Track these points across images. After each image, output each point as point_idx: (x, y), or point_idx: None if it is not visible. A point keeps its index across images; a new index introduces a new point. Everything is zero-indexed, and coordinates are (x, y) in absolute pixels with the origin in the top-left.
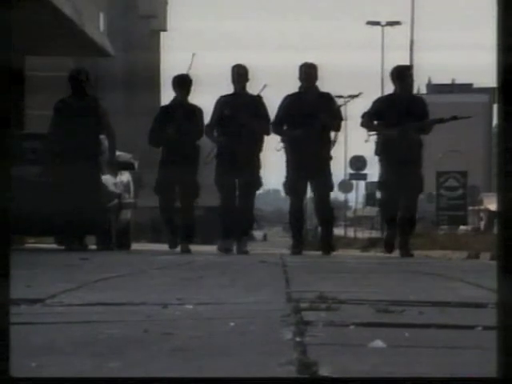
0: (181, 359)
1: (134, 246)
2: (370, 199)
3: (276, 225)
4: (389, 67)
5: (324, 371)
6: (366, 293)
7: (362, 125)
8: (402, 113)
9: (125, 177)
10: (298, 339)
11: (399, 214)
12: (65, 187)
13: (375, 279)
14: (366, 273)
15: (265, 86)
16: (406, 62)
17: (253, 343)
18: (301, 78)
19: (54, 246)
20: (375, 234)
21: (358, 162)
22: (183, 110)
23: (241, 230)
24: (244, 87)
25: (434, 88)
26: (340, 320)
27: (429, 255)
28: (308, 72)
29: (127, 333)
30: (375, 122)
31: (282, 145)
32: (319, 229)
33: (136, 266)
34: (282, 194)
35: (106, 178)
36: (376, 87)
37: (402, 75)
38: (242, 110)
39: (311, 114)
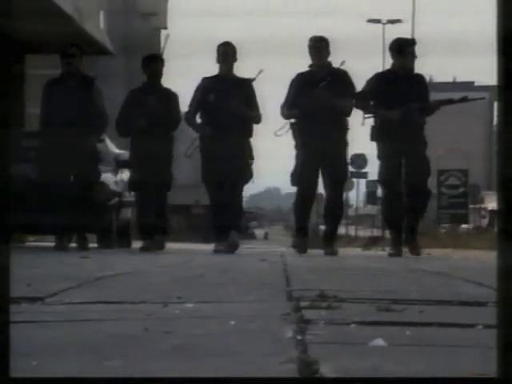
0: (181, 358)
1: (134, 244)
2: (370, 197)
3: (277, 223)
4: (389, 65)
5: (325, 370)
6: (366, 291)
7: (357, 106)
8: (402, 92)
9: (125, 175)
10: (298, 338)
11: (406, 203)
12: (53, 170)
13: (376, 277)
14: (367, 271)
15: (260, 72)
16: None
17: (253, 342)
18: (311, 54)
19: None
20: (376, 232)
21: (358, 160)
22: (155, 95)
23: (231, 225)
24: (231, 68)
25: (436, 86)
26: (341, 318)
27: (430, 253)
28: (318, 46)
29: (127, 331)
30: (371, 103)
31: (284, 130)
32: (320, 227)
33: (136, 264)
34: (283, 191)
35: (107, 176)
36: None
37: (403, 49)
38: (228, 95)
39: (325, 94)
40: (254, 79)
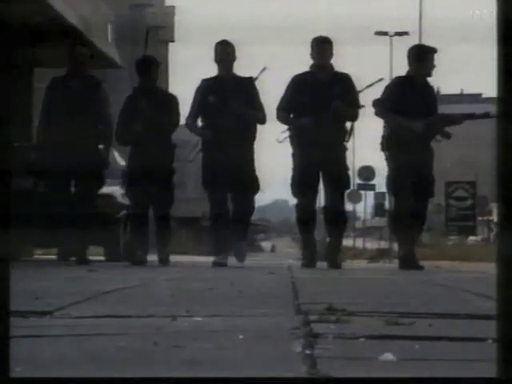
0: (191, 372)
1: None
2: (378, 210)
3: (284, 235)
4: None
5: None
6: (375, 304)
7: (376, 114)
8: (421, 101)
9: None
10: (307, 352)
11: (409, 218)
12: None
13: (384, 290)
14: (375, 284)
15: (264, 69)
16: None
17: (262, 356)
18: (313, 55)
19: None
20: (384, 244)
21: (366, 172)
22: (152, 99)
23: (236, 237)
24: (231, 68)
25: (443, 98)
26: (350, 332)
27: (438, 266)
28: (321, 47)
29: (137, 345)
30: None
31: (285, 135)
32: (327, 239)
33: (144, 277)
34: (291, 203)
35: (114, 189)
36: None
37: (424, 56)
38: (230, 96)
39: (324, 98)
40: (256, 78)
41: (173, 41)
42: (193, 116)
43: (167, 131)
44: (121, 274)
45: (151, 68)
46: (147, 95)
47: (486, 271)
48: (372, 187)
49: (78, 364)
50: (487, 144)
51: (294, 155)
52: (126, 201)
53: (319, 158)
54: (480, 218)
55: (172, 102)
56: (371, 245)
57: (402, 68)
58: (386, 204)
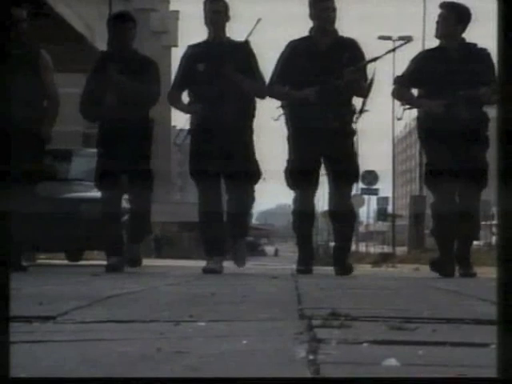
0: (194, 378)
1: (145, 261)
2: (381, 214)
3: (287, 240)
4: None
5: None
6: (378, 309)
7: (393, 94)
8: (452, 75)
9: None
10: (311, 357)
11: (457, 215)
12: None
13: (388, 296)
14: (379, 289)
15: (258, 21)
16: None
17: (265, 361)
18: (314, 15)
19: (66, 262)
20: (387, 249)
21: (369, 177)
22: (126, 65)
23: (233, 236)
24: (223, 30)
25: None
26: (353, 338)
27: None
28: (324, 7)
29: (140, 351)
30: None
31: (281, 112)
32: (331, 244)
33: (147, 282)
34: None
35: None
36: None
37: (466, 17)
38: (222, 64)
39: (327, 67)
40: (250, 34)
41: (176, 46)
42: (177, 88)
43: (144, 105)
44: (124, 278)
45: (125, 26)
46: (120, 60)
47: (489, 276)
48: (375, 192)
49: (81, 369)
50: (490, 148)
51: (289, 138)
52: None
53: (322, 142)
54: (483, 223)
55: (151, 68)
56: (374, 249)
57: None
58: (389, 209)
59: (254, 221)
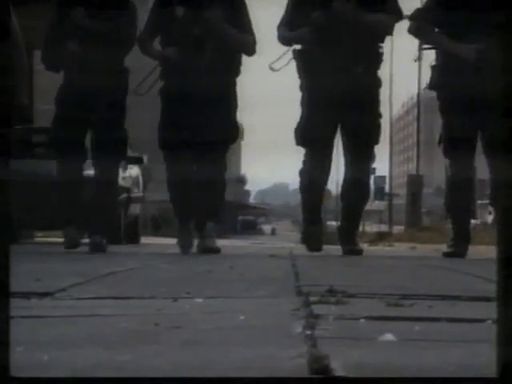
0: (191, 352)
1: (143, 239)
2: (378, 193)
3: (284, 219)
4: (398, 61)
5: (335, 364)
6: (375, 286)
7: (410, 31)
8: (490, 14)
9: (134, 171)
10: (308, 332)
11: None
12: None
13: (384, 273)
14: (376, 267)
15: None
16: (415, 60)
17: (263, 336)
18: None
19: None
20: (384, 228)
21: None
22: (95, 4)
23: (203, 215)
24: None
25: None
26: (350, 314)
27: (438, 249)
28: None
29: (137, 326)
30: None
31: (286, 59)
32: (327, 223)
33: (145, 259)
34: (291, 187)
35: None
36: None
37: None
38: (205, 8)
39: (345, 6)
40: None
41: None
42: (149, 32)
43: (118, 51)
44: (121, 256)
45: None
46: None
47: (486, 254)
48: (372, 171)
49: (79, 344)
50: None
51: (302, 87)
52: (126, 183)
53: (342, 94)
54: (479, 202)
55: (125, 9)
56: (371, 228)
57: (403, 59)
58: (386, 188)
59: (251, 200)
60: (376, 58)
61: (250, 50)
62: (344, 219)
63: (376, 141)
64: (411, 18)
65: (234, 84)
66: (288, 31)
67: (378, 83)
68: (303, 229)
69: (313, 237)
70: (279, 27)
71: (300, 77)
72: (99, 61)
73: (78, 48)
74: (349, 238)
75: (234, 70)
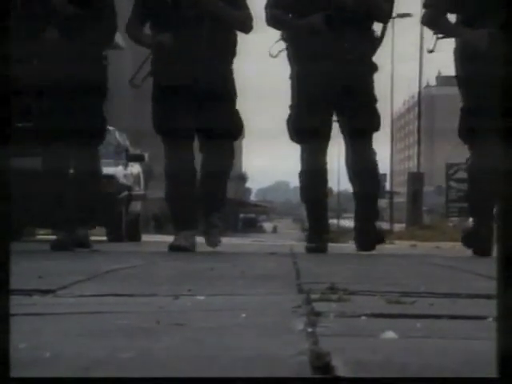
0: (193, 350)
1: (144, 237)
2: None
3: (286, 217)
4: (399, 59)
5: (337, 361)
6: (376, 284)
7: (423, 21)
8: None
9: (135, 168)
10: (309, 330)
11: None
12: None
13: (385, 271)
14: (377, 265)
15: None
16: (416, 55)
17: (264, 334)
18: None
19: None
20: (384, 225)
21: None
22: None
23: (206, 209)
24: None
25: (444, 80)
26: (351, 311)
27: (438, 247)
28: None
29: (139, 324)
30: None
31: (282, 46)
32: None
33: (146, 257)
34: (292, 184)
35: (117, 170)
36: (386, 78)
37: None
38: None
39: None
40: None
41: None
42: (138, 16)
43: (97, 40)
44: (123, 253)
45: None
46: None
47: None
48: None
49: (80, 341)
50: None
51: (292, 77)
52: (128, 181)
53: (334, 80)
54: None
55: None
56: None
57: (403, 52)
58: (387, 186)
59: (252, 197)
60: (372, 43)
61: (247, 27)
62: (360, 212)
63: (376, 127)
64: (425, 5)
65: (231, 65)
66: (279, 12)
67: (373, 68)
68: (310, 240)
69: (323, 245)
70: (267, 7)
71: (290, 63)
72: (75, 51)
73: (53, 35)
74: (362, 234)
75: (231, 49)
